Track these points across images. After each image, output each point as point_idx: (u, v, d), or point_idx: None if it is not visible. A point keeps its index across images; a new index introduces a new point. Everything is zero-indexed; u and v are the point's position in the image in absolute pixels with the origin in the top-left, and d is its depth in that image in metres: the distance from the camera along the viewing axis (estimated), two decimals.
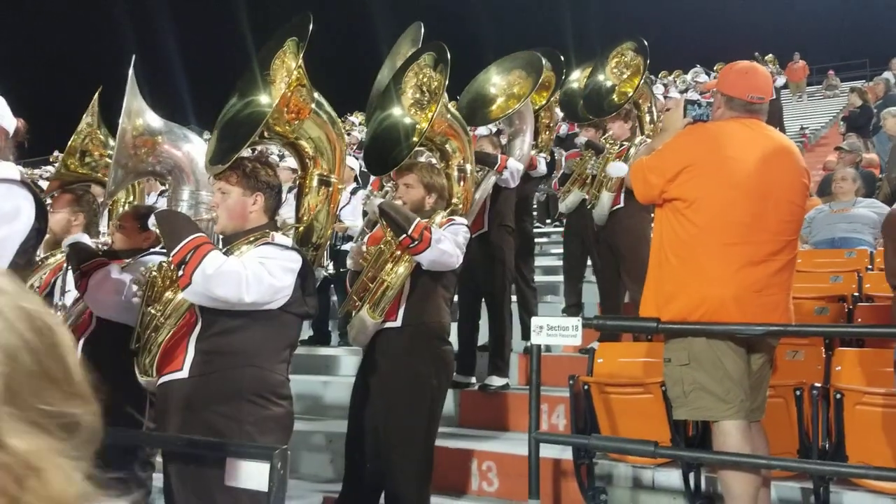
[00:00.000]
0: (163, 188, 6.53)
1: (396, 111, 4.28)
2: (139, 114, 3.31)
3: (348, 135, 15.28)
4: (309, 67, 3.35)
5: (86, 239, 3.71)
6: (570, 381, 4.18)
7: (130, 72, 3.41)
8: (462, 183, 4.49)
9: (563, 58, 6.77)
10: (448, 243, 3.85)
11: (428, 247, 3.76)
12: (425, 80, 4.24)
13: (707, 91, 3.53)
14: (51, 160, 18.31)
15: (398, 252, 3.88)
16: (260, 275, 2.91)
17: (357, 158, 9.31)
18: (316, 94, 3.45)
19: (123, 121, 3.19)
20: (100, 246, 3.80)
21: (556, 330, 3.59)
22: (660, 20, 30.72)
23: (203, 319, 3.05)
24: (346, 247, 5.80)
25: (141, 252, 3.74)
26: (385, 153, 4.22)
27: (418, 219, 3.82)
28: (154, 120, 3.38)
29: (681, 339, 3.37)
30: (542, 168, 6.54)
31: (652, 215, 8.04)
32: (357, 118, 17.30)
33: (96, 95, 4.13)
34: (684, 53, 23.88)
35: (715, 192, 3.31)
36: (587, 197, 6.43)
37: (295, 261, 3.06)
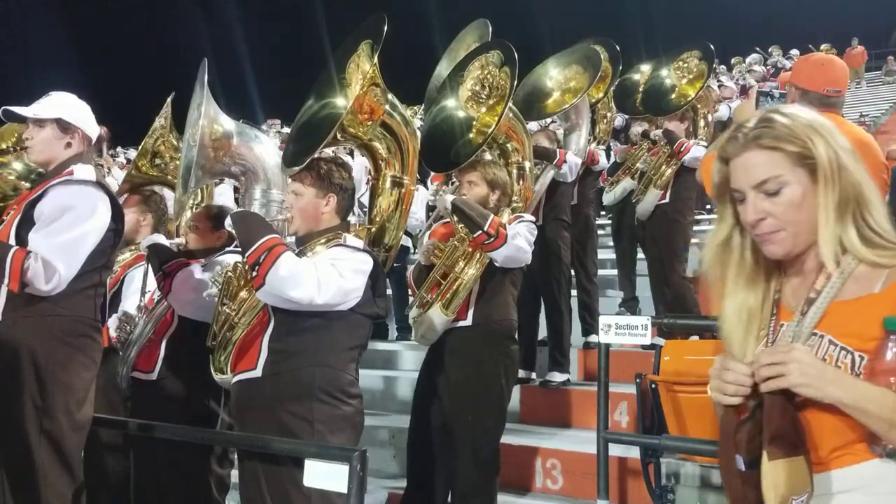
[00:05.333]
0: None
1: (451, 103, 4.28)
2: (215, 117, 3.34)
3: None
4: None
5: (162, 239, 3.77)
6: (637, 380, 4.13)
7: (205, 77, 3.45)
8: (521, 181, 4.46)
9: (618, 48, 6.72)
10: (522, 239, 3.86)
11: (504, 243, 3.77)
12: (489, 76, 4.21)
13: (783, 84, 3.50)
14: (110, 153, 18.57)
15: (470, 249, 3.88)
16: (331, 276, 2.93)
17: None
18: (390, 96, 3.46)
19: (203, 123, 3.23)
20: (177, 246, 3.84)
21: (624, 329, 3.55)
22: (716, 4, 30.20)
23: (276, 319, 3.08)
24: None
25: (215, 251, 3.79)
26: (445, 149, 4.21)
27: (492, 215, 3.83)
28: (228, 122, 3.40)
29: None
30: (603, 162, 6.51)
31: (695, 214, 7.87)
32: (412, 110, 17.24)
33: (170, 98, 4.17)
34: (738, 40, 23.43)
35: None
36: (634, 189, 6.42)
37: (366, 262, 3.07)
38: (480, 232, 3.74)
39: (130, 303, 3.96)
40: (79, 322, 3.09)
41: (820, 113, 3.20)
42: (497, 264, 3.87)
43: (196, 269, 3.60)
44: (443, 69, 5.18)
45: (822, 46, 17.50)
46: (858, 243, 1.54)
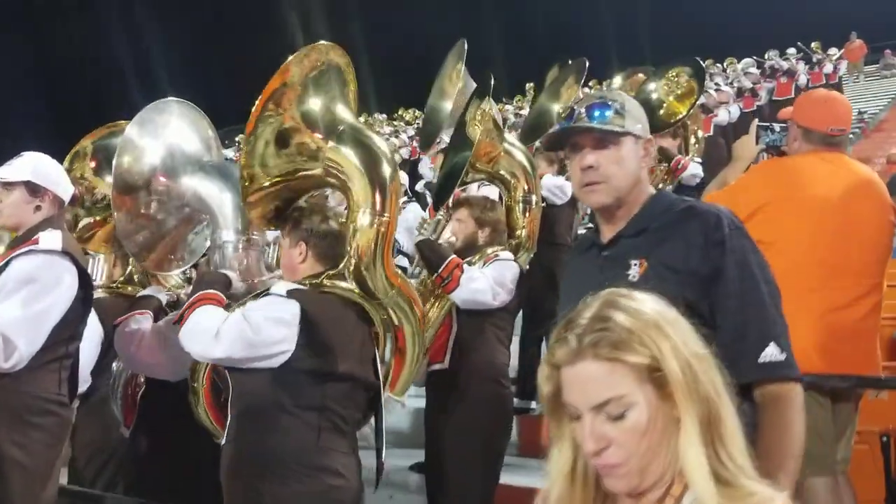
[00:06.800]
0: None
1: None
2: (129, 169, 3.11)
3: (396, 136, 15.11)
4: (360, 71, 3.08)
5: (160, 294, 3.51)
6: None
7: (156, 103, 3.23)
8: (527, 214, 4.31)
9: (587, 62, 6.68)
10: (482, 282, 3.73)
11: (457, 286, 3.68)
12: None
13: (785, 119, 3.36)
14: None
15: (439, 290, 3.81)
16: (237, 329, 2.71)
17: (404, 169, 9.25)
18: (342, 125, 2.98)
19: (113, 196, 3.05)
20: (179, 296, 3.65)
21: None
22: (709, 4, 30.03)
23: (232, 381, 2.89)
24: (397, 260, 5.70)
25: None
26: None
27: (452, 257, 3.75)
28: (167, 162, 3.16)
29: None
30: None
31: None
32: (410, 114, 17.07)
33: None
34: (735, 37, 23.27)
35: (795, 234, 3.10)
36: None
37: (287, 310, 2.75)
38: (436, 275, 3.69)
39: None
40: (41, 399, 2.94)
41: (825, 152, 3.18)
42: (460, 307, 3.80)
43: (135, 322, 3.31)
44: (434, 100, 5.08)
45: (813, 44, 17.31)
46: (708, 478, 1.25)
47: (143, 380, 3.51)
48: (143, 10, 30.31)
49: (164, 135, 3.21)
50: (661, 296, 1.71)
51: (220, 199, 3.16)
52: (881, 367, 3.22)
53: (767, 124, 3.52)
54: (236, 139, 21.67)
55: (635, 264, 2.00)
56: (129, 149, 3.17)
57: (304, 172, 2.98)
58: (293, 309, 2.76)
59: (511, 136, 4.42)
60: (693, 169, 6.05)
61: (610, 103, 2.08)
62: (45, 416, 2.95)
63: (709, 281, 1.94)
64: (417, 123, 15.74)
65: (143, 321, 3.32)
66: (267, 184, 2.98)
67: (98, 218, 3.76)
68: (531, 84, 19.14)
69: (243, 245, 3.16)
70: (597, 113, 2.06)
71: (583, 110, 2.08)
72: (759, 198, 3.17)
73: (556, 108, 5.94)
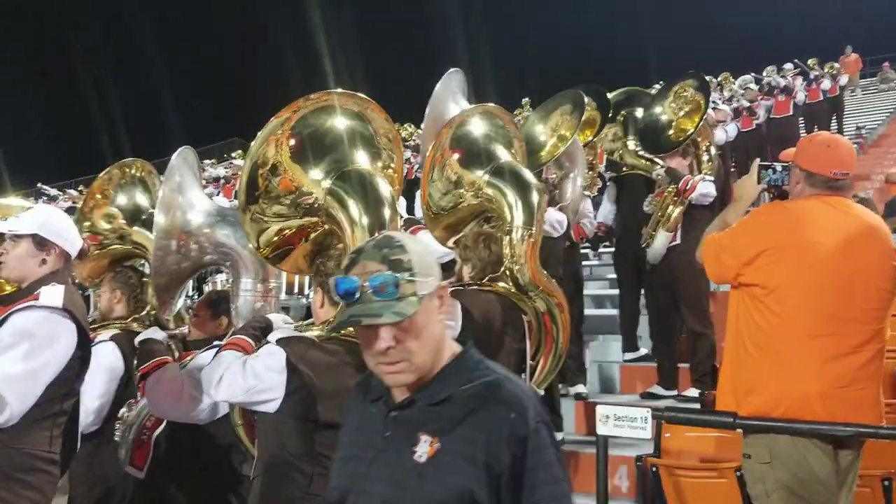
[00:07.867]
0: None
1: None
2: (173, 209, 3.14)
3: None
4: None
5: (158, 334, 3.47)
6: (638, 463, 3.98)
7: (176, 157, 3.26)
8: (522, 244, 4.22)
9: (608, 94, 6.63)
10: None
11: None
12: None
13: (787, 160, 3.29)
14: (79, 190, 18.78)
15: None
16: (235, 373, 2.75)
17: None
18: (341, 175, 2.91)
19: (160, 222, 3.05)
20: (178, 336, 3.65)
21: (623, 420, 3.39)
22: (702, 18, 30.09)
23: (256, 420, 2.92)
24: None
25: (214, 340, 3.56)
26: None
27: None
28: (197, 215, 3.20)
29: (762, 435, 3.15)
30: (589, 232, 6.44)
31: None
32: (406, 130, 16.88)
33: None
34: (729, 52, 23.35)
35: (796, 279, 3.07)
36: (645, 236, 6.23)
37: (275, 359, 2.73)
38: None
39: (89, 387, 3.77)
40: (30, 456, 2.88)
41: (828, 196, 3.16)
42: None
43: (168, 370, 3.28)
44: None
45: (810, 61, 17.26)
46: None
47: (152, 422, 3.49)
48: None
49: (188, 188, 3.28)
50: (449, 487, 1.65)
51: (241, 248, 3.22)
52: (884, 414, 3.17)
53: (769, 163, 3.47)
54: (233, 154, 21.90)
55: (425, 441, 1.74)
56: (166, 205, 3.22)
57: (303, 221, 2.96)
58: (280, 357, 2.74)
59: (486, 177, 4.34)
60: (704, 188, 5.89)
61: (398, 275, 1.75)
62: (34, 474, 2.88)
63: (505, 480, 1.70)
64: (414, 140, 15.60)
65: (174, 369, 3.28)
66: (267, 241, 3.00)
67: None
68: (527, 99, 19.11)
69: (261, 291, 3.20)
70: (385, 289, 1.74)
71: (367, 284, 1.75)
72: (762, 242, 3.15)
73: (543, 133, 5.88)
